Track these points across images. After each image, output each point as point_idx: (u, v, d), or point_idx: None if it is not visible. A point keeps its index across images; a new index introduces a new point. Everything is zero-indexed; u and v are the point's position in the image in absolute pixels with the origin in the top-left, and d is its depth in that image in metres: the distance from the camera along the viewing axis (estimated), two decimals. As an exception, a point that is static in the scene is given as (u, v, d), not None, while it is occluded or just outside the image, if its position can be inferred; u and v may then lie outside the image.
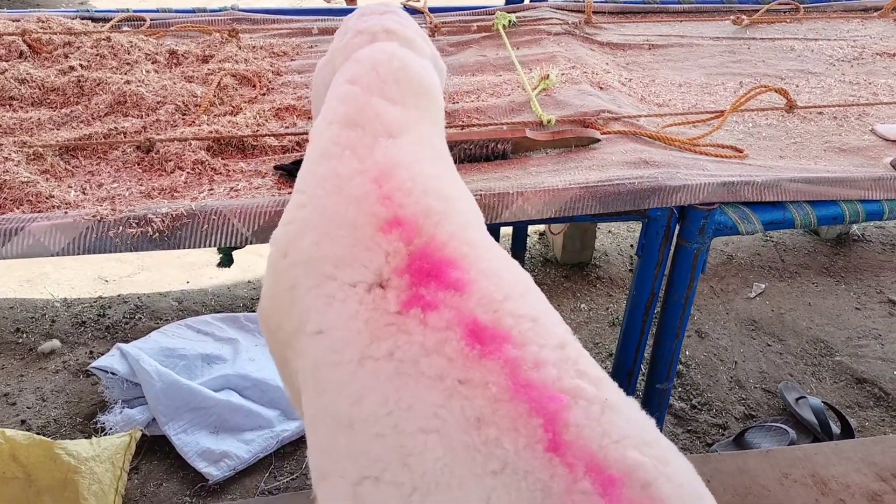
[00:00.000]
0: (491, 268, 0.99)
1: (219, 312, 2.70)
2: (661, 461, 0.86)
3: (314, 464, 1.01)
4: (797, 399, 2.42)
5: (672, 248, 1.50)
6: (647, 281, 1.51)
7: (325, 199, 1.04)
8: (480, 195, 1.34)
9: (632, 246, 3.36)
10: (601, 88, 1.85)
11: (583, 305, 2.96)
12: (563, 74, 1.89)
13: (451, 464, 0.86)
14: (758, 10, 2.45)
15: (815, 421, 2.29)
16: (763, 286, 3.08)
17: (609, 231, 3.50)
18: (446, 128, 1.58)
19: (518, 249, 3.09)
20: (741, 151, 1.60)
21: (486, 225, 1.11)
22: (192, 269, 3.08)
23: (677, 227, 1.47)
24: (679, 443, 2.31)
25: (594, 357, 0.96)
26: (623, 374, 1.63)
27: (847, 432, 2.28)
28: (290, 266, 1.07)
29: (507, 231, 3.11)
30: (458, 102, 1.75)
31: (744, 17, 2.41)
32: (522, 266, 1.06)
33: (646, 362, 1.69)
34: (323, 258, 1.01)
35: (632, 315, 1.57)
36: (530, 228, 3.31)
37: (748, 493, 1.67)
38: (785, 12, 2.53)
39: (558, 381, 0.90)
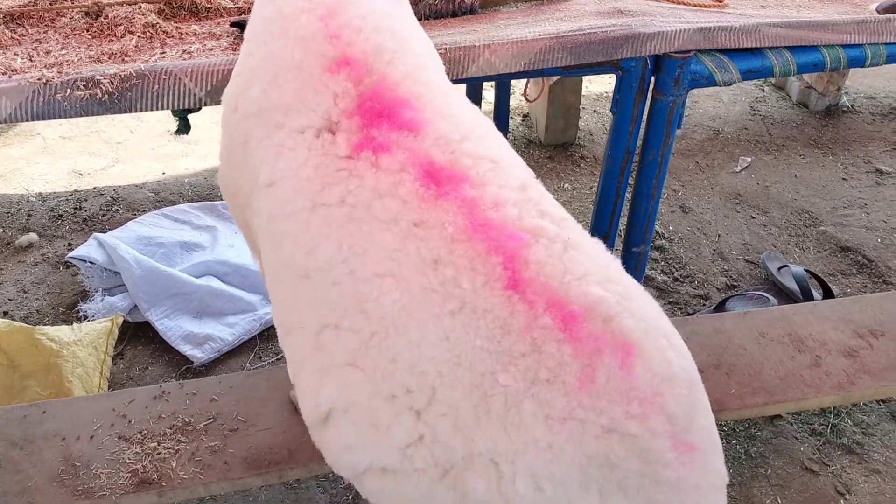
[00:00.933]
0: (449, 109, 0.95)
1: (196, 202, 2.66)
2: (625, 297, 0.85)
3: (278, 320, 1.00)
4: (779, 268, 2.42)
5: (647, 104, 1.45)
6: (622, 139, 1.46)
7: (270, 45, 0.98)
8: (445, 49, 1.28)
9: (617, 124, 3.29)
10: (577, -58, 1.75)
11: (566, 185, 2.93)
12: (536, -71, 1.78)
13: (409, 306, 0.85)
14: None
15: (796, 289, 2.30)
16: (749, 160, 3.04)
17: (595, 111, 3.43)
18: (410, -16, 1.50)
19: (500, 129, 3.02)
20: (721, 1, 1.52)
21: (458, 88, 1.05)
22: (168, 160, 3.02)
23: (652, 80, 1.41)
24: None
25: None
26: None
27: (829, 298, 2.29)
28: (242, 120, 1.02)
29: (487, 109, 3.03)
30: (424, -40, 1.66)
31: None
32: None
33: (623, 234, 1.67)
34: (271, 107, 0.96)
35: (607, 176, 1.53)
36: (513, 109, 3.24)
37: (724, 353, 1.68)
38: None
39: (518, 220, 0.87)
